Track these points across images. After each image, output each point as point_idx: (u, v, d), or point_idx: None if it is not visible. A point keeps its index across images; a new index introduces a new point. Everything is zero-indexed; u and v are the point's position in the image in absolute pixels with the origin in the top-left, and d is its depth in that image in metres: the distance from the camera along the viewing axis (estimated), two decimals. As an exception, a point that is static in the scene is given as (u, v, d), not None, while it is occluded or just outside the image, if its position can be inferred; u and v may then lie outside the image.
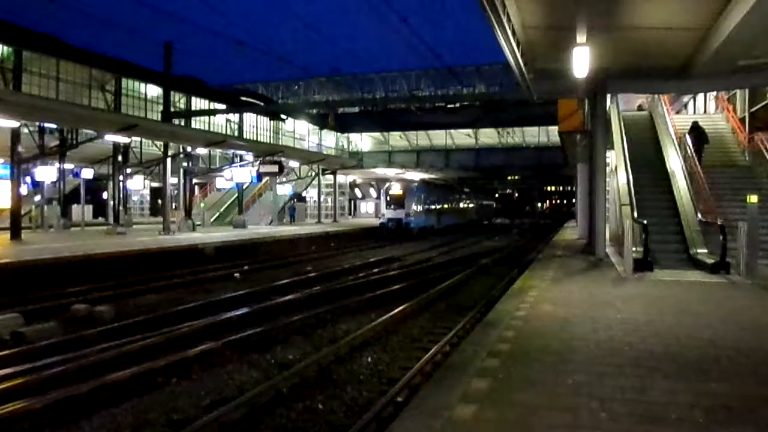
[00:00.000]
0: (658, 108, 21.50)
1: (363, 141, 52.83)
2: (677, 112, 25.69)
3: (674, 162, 17.93)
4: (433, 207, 39.40)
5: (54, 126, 25.21)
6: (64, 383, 6.84)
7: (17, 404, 6.11)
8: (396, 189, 35.40)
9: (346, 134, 50.97)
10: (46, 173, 28.14)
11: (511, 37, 12.10)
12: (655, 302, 9.43)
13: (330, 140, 49.37)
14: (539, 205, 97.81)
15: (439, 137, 50.65)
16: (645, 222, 13.84)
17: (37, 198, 29.54)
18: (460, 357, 6.20)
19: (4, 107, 18.33)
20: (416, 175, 50.65)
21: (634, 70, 15.31)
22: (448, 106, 43.70)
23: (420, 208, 36.32)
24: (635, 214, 14.59)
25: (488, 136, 49.27)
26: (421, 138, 51.36)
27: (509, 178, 68.00)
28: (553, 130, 34.85)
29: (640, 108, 26.17)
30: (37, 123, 24.13)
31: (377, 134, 51.80)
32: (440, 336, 9.59)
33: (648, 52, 13.91)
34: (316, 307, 11.79)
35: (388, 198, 35.29)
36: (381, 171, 49.63)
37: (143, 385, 7.08)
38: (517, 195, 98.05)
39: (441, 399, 4.87)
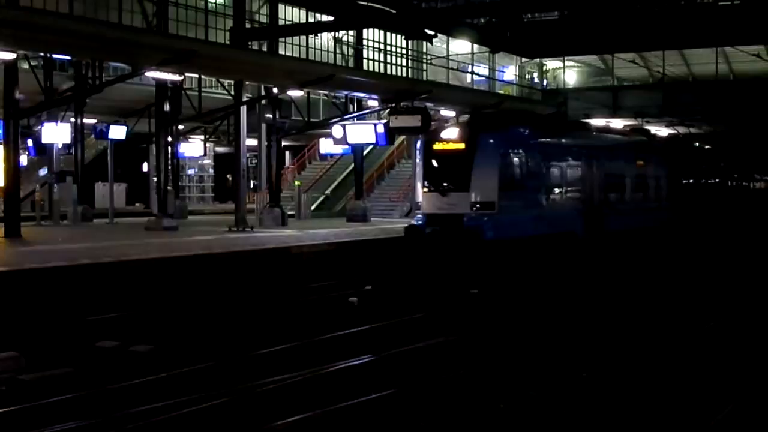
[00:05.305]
0: None
1: (568, 71, 51.63)
2: None
3: None
4: (611, 191, 26.65)
5: (66, 58, 26.14)
6: None
7: None
8: (449, 134, 22.86)
9: (537, 60, 50.10)
10: (56, 133, 29.66)
11: None
12: None
13: (510, 71, 48.81)
14: None
15: (704, 61, 48.67)
16: None
17: (43, 172, 30.93)
18: None
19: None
20: (662, 130, 48.37)
21: None
22: (719, 2, 40.88)
23: (533, 186, 22.90)
24: None
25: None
26: (671, 63, 48.92)
27: None
28: None
29: None
30: (41, 53, 25.37)
31: (592, 58, 50.10)
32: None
33: None
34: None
35: (428, 161, 22.81)
36: (599, 122, 47.85)
37: None
38: None
39: None
